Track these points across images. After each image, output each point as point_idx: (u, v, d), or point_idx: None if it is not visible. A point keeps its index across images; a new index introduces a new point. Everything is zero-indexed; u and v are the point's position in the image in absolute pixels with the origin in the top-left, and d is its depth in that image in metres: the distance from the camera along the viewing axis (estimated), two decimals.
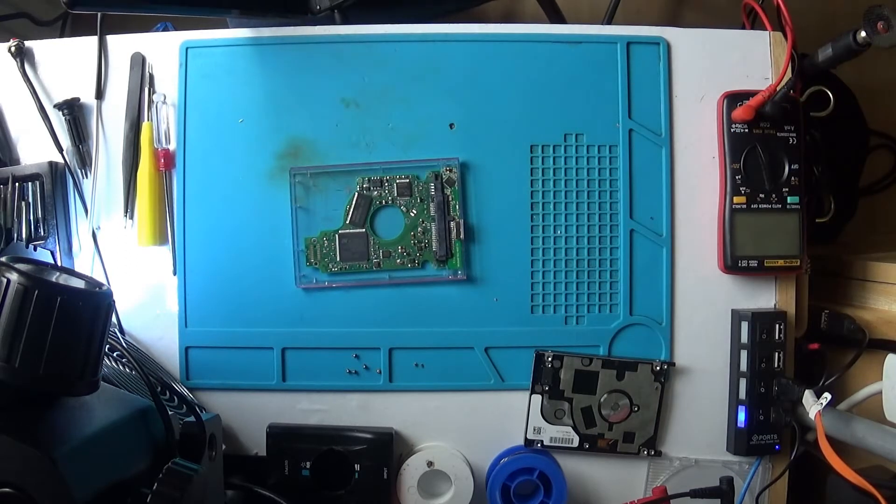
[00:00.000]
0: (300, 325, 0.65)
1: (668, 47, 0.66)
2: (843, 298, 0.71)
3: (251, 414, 0.65)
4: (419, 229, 0.65)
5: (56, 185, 0.65)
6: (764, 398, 0.64)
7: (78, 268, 0.66)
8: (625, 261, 0.65)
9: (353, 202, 0.65)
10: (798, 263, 0.64)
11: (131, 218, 0.66)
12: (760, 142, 0.64)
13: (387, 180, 0.65)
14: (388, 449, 0.64)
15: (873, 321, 0.64)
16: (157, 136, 0.65)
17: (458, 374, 0.65)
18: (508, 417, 0.66)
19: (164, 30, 0.70)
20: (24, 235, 0.65)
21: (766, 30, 0.66)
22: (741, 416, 0.64)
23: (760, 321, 0.64)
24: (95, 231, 0.66)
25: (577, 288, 0.65)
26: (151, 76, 0.66)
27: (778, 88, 0.61)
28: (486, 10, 1.03)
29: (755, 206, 0.64)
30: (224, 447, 0.56)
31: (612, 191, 0.66)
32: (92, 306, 0.42)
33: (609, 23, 0.85)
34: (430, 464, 0.64)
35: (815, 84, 0.67)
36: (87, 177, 0.66)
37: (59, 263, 0.64)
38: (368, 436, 0.64)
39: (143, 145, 0.65)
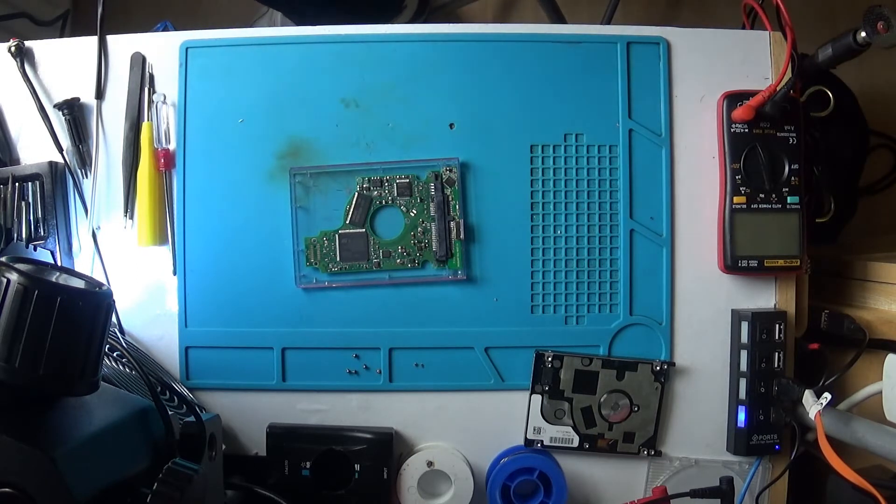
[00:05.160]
0: (300, 325, 0.65)
1: (668, 47, 0.66)
2: (843, 298, 0.71)
3: (251, 414, 0.65)
4: (419, 229, 0.65)
5: (56, 185, 0.65)
6: (764, 398, 0.64)
7: (78, 268, 0.66)
8: (625, 261, 0.65)
9: (353, 202, 0.65)
10: (798, 263, 0.64)
11: (131, 218, 0.66)
12: (760, 142, 0.64)
13: (387, 180, 0.65)
14: (388, 449, 0.64)
15: (873, 321, 0.64)
16: (157, 136, 0.65)
17: (458, 374, 0.65)
18: (508, 417, 0.66)
19: (164, 30, 0.70)
20: (24, 235, 0.65)
21: (766, 30, 0.66)
22: (741, 416, 0.64)
23: (760, 321, 0.64)
24: (95, 231, 0.66)
25: (577, 288, 0.66)
26: (151, 76, 0.66)
27: (778, 88, 0.61)
28: (485, 9, 1.04)
29: (755, 206, 0.64)
30: (224, 447, 0.56)
31: (612, 191, 0.66)
32: (92, 306, 0.42)
33: (609, 23, 0.85)
34: (430, 464, 0.64)
35: (815, 84, 0.67)
36: (87, 177, 0.66)
37: (59, 263, 0.64)
38: (368, 436, 0.64)
39: (143, 145, 0.65)
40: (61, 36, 0.93)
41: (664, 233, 0.66)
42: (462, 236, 0.65)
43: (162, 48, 0.66)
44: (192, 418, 0.49)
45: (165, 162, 0.65)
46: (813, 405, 0.58)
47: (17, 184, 0.65)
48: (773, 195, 0.64)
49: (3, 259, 0.40)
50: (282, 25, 0.92)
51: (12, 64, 0.66)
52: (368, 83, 0.65)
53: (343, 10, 0.77)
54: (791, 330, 0.65)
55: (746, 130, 0.64)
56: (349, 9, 0.78)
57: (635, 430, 0.65)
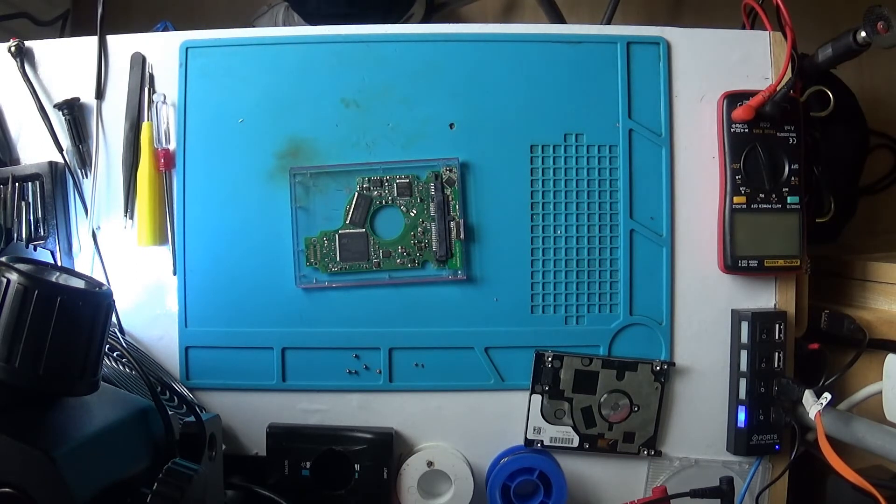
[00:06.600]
0: (300, 325, 0.65)
1: (668, 47, 0.66)
2: (843, 298, 0.71)
3: (251, 414, 0.65)
4: (419, 229, 0.65)
5: (56, 185, 0.65)
6: (764, 398, 0.64)
7: (78, 268, 0.66)
8: (625, 261, 0.65)
9: (353, 202, 0.65)
10: (798, 263, 0.64)
11: (131, 218, 0.66)
12: (760, 142, 0.64)
13: (387, 180, 0.65)
14: (388, 449, 0.64)
15: (873, 321, 0.64)
16: (157, 136, 0.65)
17: (458, 374, 0.65)
18: (508, 417, 0.66)
19: (164, 30, 0.70)
20: (24, 235, 0.65)
21: (766, 30, 0.66)
22: (741, 416, 0.64)
23: (760, 321, 0.64)
24: (95, 231, 0.66)
25: (577, 288, 0.65)
26: (151, 76, 0.66)
27: (778, 88, 0.61)
28: (485, 9, 1.03)
29: (755, 206, 0.64)
30: (224, 447, 0.56)
31: (612, 191, 0.66)
32: (92, 306, 0.42)
33: (609, 23, 0.85)
34: (430, 464, 0.64)
35: (815, 84, 0.67)
36: (87, 177, 0.66)
37: (59, 263, 0.64)
38: (368, 436, 0.64)
39: (143, 145, 0.65)
40: (61, 36, 0.93)
41: (664, 233, 0.66)
42: (462, 236, 0.65)
43: (162, 48, 0.66)
44: (192, 418, 0.49)
45: (165, 162, 0.65)
46: (813, 405, 0.58)
47: (17, 184, 0.65)
48: (773, 195, 0.64)
49: (3, 259, 0.40)
50: (283, 25, 0.92)
51: (12, 64, 0.66)
52: (368, 83, 0.65)
53: (352, 13, 0.78)
54: (791, 330, 0.65)
55: (746, 130, 0.64)
56: (358, 12, 0.78)
57: (635, 430, 0.65)
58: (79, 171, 0.66)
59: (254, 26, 0.95)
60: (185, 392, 0.64)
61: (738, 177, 0.64)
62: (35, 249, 0.64)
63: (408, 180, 0.65)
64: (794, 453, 0.63)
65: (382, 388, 0.66)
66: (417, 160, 0.65)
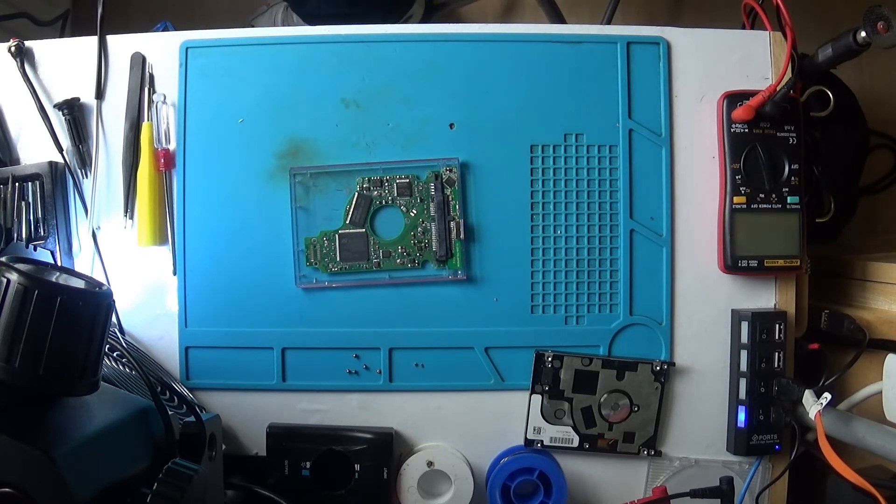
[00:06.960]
0: (300, 325, 0.65)
1: (668, 47, 0.66)
2: (843, 298, 0.71)
3: (251, 414, 0.65)
4: (419, 229, 0.65)
5: (56, 185, 0.65)
6: (764, 398, 0.64)
7: (78, 268, 0.66)
8: (625, 261, 0.65)
9: (353, 202, 0.65)
10: (798, 263, 0.64)
11: (131, 218, 0.66)
12: (760, 142, 0.64)
13: (387, 180, 0.65)
14: (388, 449, 0.64)
15: (873, 321, 0.64)
16: (157, 136, 0.65)
17: (458, 374, 0.65)
18: (508, 417, 0.66)
19: (164, 30, 0.70)
20: (24, 235, 0.65)
21: (766, 30, 0.66)
22: (741, 416, 0.64)
23: (760, 321, 0.64)
24: (95, 231, 0.66)
25: (577, 288, 0.66)
26: (151, 76, 0.66)
27: (778, 88, 0.61)
28: (485, 10, 1.04)
29: (755, 206, 0.64)
30: (224, 447, 0.56)
31: (612, 191, 0.66)
32: (92, 306, 0.42)
33: (609, 23, 0.85)
34: (430, 464, 0.64)
35: (815, 84, 0.67)
36: (87, 177, 0.66)
37: (59, 263, 0.64)
38: (368, 436, 0.64)
39: (143, 145, 0.65)
40: (61, 36, 0.93)
41: (664, 233, 0.66)
42: (462, 236, 0.65)
43: (162, 48, 0.66)
44: (192, 418, 0.49)
45: (165, 162, 0.65)
46: (813, 405, 0.58)
47: (17, 184, 0.65)
48: (773, 195, 0.64)
49: (3, 259, 0.40)
50: (282, 25, 0.92)
51: (12, 64, 0.66)
52: (368, 83, 0.65)
53: (352, 13, 0.78)
54: (791, 330, 0.65)
55: (746, 130, 0.64)
56: (358, 12, 0.79)
57: (635, 430, 0.65)
58: (79, 171, 0.66)
59: (252, 26, 0.95)
60: (185, 392, 0.64)
61: (738, 177, 0.64)
62: (35, 249, 0.63)
63: (408, 180, 0.65)
64: (794, 453, 0.63)
65: (382, 388, 0.66)
66: (417, 160, 0.65)
